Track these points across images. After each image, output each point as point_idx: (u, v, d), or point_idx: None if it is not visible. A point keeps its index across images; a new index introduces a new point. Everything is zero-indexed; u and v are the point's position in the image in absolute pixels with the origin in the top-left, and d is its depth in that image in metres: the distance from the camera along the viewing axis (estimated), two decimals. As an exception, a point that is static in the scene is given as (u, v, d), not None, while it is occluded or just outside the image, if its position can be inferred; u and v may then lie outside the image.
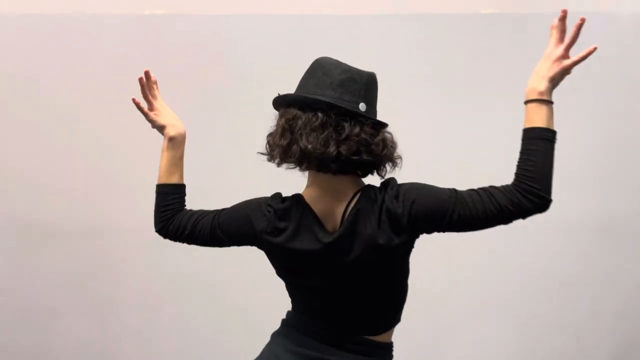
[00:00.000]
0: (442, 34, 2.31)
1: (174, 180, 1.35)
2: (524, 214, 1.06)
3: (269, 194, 1.26)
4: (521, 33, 2.30)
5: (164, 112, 1.36)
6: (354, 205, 1.14)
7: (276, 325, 1.34)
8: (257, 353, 1.32)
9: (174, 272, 2.33)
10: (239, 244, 1.28)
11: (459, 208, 1.08)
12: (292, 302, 1.30)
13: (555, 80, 1.09)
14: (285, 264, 1.21)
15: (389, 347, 1.27)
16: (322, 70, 1.14)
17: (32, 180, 2.34)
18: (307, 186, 1.22)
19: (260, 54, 2.30)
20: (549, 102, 1.09)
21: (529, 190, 1.04)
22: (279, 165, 1.18)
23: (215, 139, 2.29)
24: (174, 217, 1.33)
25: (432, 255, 2.17)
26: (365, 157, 1.10)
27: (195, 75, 2.30)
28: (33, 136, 2.34)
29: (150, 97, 1.36)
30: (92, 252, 2.35)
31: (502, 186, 1.09)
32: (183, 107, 2.26)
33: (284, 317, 1.33)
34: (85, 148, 2.33)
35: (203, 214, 1.31)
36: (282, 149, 1.13)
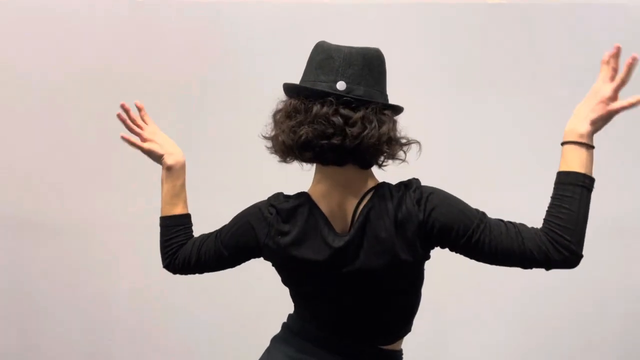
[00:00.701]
0: (447, 23, 2.23)
1: (176, 211, 1.23)
2: (548, 265, 0.96)
3: (269, 192, 1.16)
4: (528, 23, 2.23)
5: (159, 140, 1.24)
6: (366, 204, 1.03)
7: (274, 322, 1.27)
8: (253, 353, 1.27)
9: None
10: (247, 258, 1.17)
11: (482, 232, 0.98)
12: (296, 307, 1.21)
13: (598, 124, 0.99)
14: (292, 271, 1.11)
15: (398, 354, 1.20)
16: (310, 55, 1.07)
17: (20, 174, 2.27)
18: (313, 182, 1.11)
19: (257, 42, 2.22)
20: (589, 146, 0.99)
21: (559, 241, 0.94)
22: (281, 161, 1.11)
23: (208, 128, 2.22)
24: (180, 251, 1.22)
25: (435, 257, 2.13)
26: (335, 140, 0.97)
27: (189, 62, 2.22)
28: (20, 126, 2.26)
29: (137, 129, 1.26)
30: (82, 248, 2.28)
31: (533, 228, 0.99)
32: (175, 95, 2.21)
33: (285, 320, 1.25)
34: (75, 139, 2.25)
35: (205, 237, 1.20)
36: (272, 142, 1.07)
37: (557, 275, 2.24)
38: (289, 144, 1.00)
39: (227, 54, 2.22)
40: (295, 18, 2.21)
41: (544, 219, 0.98)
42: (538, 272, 2.21)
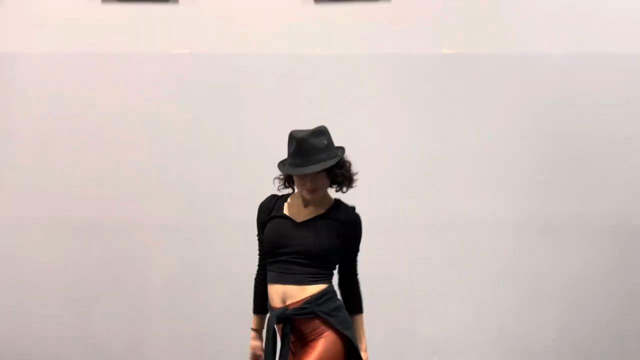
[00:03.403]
0: (411, 69, 2.87)
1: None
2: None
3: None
4: (473, 69, 2.87)
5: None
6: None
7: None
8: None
9: (196, 263, 2.84)
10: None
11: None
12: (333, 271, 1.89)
13: None
14: None
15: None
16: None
17: (82, 186, 2.87)
18: None
19: (255, 88, 2.87)
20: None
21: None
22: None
23: (233, 150, 2.85)
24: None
25: (409, 253, 2.76)
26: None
27: (212, 103, 2.86)
28: (82, 148, 2.87)
29: None
30: (126, 245, 2.86)
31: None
32: (202, 128, 2.82)
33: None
34: (123, 160, 2.87)
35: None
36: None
37: (506, 266, 2.84)
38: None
39: (240, 94, 2.86)
40: (296, 67, 2.85)
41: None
42: (491, 265, 2.83)
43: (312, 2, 2.90)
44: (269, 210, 1.84)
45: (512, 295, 2.88)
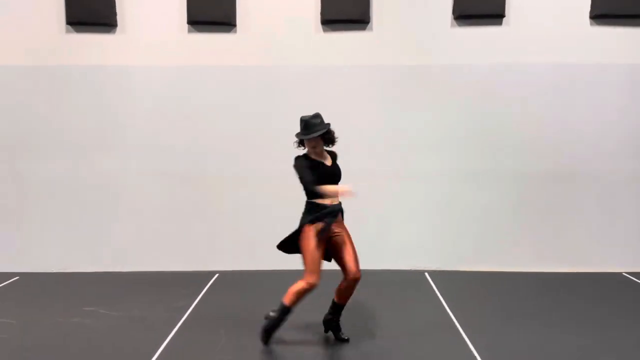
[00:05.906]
0: (386, 74, 4.45)
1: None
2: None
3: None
4: (431, 75, 4.45)
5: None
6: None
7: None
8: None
9: (251, 202, 4.51)
10: None
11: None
12: None
13: None
14: None
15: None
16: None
17: (176, 151, 4.52)
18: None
19: (287, 84, 4.45)
20: None
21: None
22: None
23: (279, 127, 4.44)
24: None
25: (384, 191, 4.43)
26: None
27: (260, 97, 4.45)
28: (176, 128, 4.50)
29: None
30: (201, 188, 4.52)
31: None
32: (255, 113, 4.44)
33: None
34: (202, 135, 4.48)
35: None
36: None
37: (442, 201, 4.60)
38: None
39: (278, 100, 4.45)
40: (309, 76, 4.42)
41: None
42: (433, 200, 4.62)
43: (322, 31, 4.46)
44: (309, 160, 3.20)
45: (447, 218, 4.56)
